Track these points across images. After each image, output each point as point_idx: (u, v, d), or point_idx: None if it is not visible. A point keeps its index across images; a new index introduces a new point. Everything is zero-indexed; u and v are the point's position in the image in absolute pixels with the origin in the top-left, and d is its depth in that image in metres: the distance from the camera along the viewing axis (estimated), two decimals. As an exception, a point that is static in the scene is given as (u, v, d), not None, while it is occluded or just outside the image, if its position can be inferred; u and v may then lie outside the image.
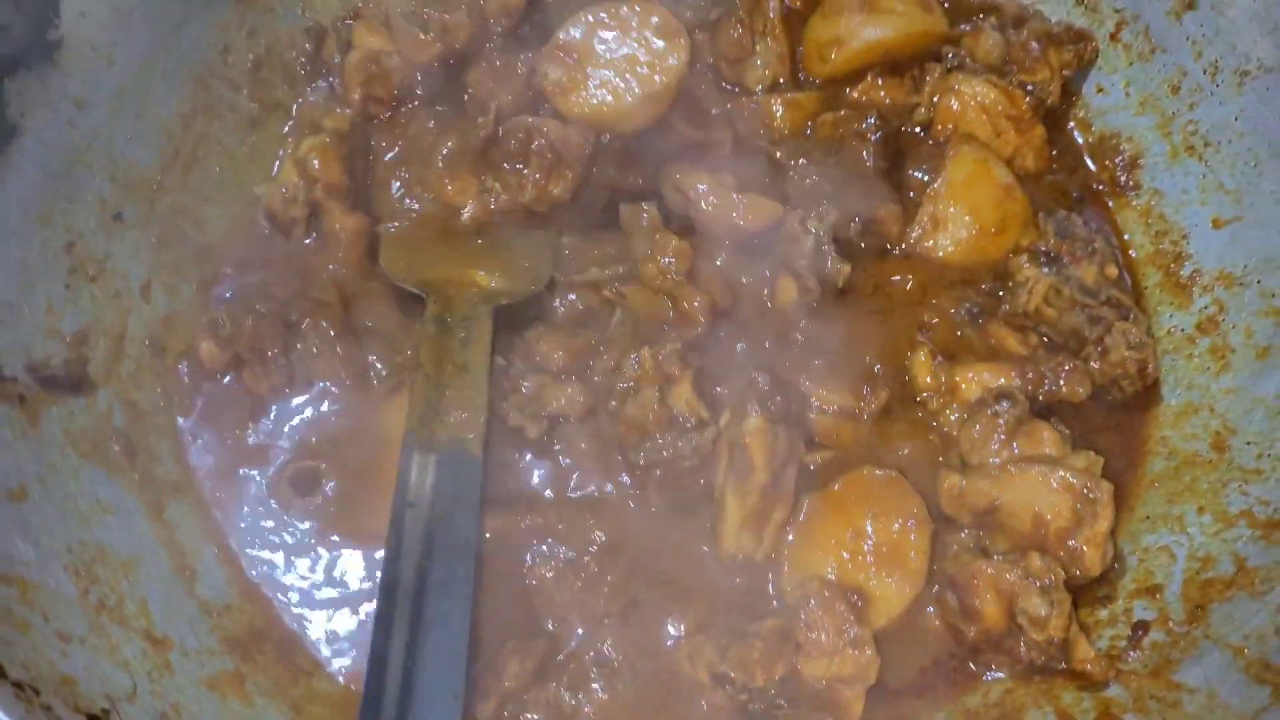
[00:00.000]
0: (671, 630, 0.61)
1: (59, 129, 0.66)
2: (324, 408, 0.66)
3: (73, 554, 0.57)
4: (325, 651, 0.61)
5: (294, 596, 0.62)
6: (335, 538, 0.63)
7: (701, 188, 0.69)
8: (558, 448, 0.65)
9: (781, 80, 0.76)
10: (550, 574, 0.62)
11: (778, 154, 0.72)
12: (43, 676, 0.49)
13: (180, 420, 0.66)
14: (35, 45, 0.65)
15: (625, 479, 0.64)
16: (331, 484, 0.65)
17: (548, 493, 0.65)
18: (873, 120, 0.72)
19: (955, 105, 0.73)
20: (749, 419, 0.62)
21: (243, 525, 0.64)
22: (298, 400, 0.67)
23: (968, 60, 0.74)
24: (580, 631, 0.61)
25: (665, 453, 0.63)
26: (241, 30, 0.74)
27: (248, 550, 0.63)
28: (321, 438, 0.66)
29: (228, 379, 0.67)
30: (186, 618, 0.59)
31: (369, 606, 0.61)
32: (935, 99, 0.74)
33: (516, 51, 0.74)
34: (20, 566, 0.53)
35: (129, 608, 0.57)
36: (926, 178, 0.72)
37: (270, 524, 0.64)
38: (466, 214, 0.71)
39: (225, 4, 0.74)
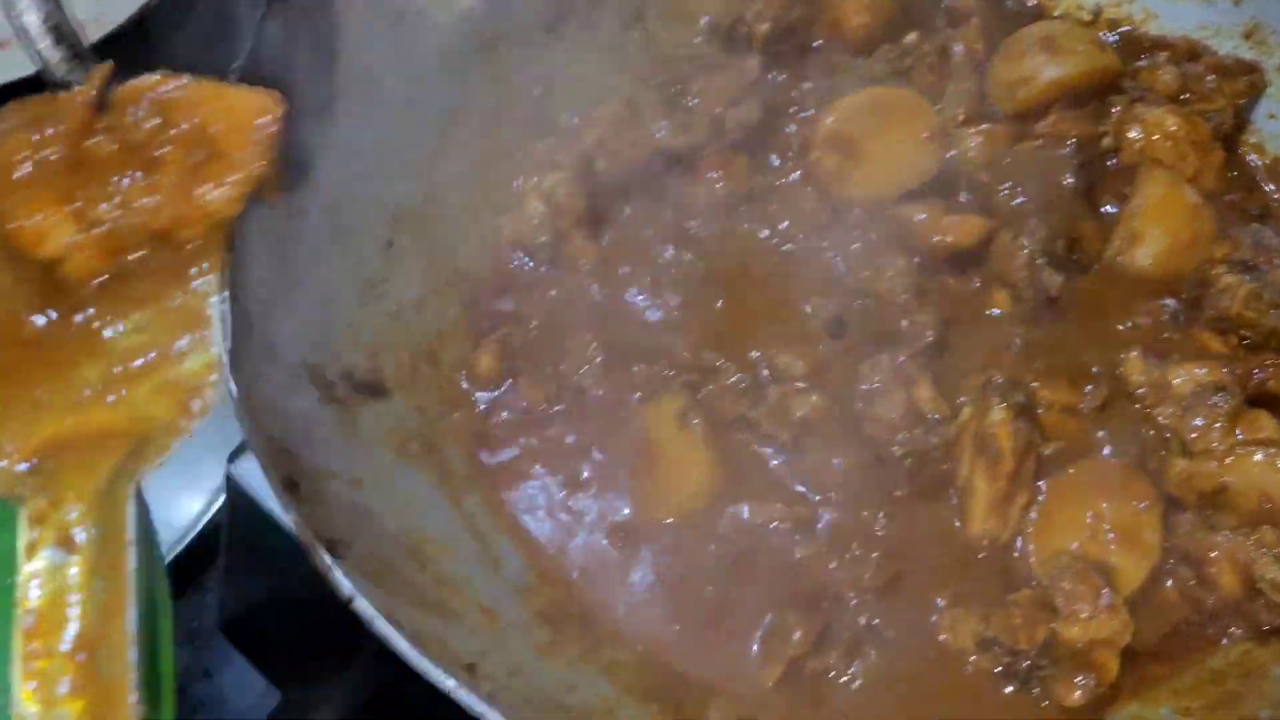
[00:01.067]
0: (933, 603, 0.67)
1: (337, 169, 0.72)
2: (593, 413, 0.72)
3: (405, 539, 0.62)
4: (621, 622, 0.66)
5: (584, 577, 0.68)
6: (609, 524, 0.69)
7: (920, 217, 0.76)
8: (805, 448, 0.71)
9: (970, 116, 0.82)
10: (813, 555, 0.67)
11: (983, 177, 0.78)
12: (422, 634, 0.54)
13: (463, 424, 0.72)
14: (318, 98, 0.72)
15: (873, 472, 0.70)
16: (601, 477, 0.70)
17: (798, 487, 0.70)
18: (1072, 144, 0.78)
19: (1140, 133, 0.80)
20: (993, 412, 0.68)
21: (528, 516, 0.69)
22: (569, 406, 0.72)
23: (1147, 92, 0.82)
24: (852, 604, 0.66)
25: (914, 445, 0.68)
26: (482, 82, 0.81)
27: (537, 538, 0.69)
28: (591, 438, 0.72)
29: (504, 388, 0.73)
30: (502, 595, 0.64)
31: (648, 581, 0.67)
32: (1122, 128, 0.80)
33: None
34: (374, 543, 0.59)
35: (459, 584, 0.62)
36: (1119, 200, 0.78)
37: (552, 515, 0.69)
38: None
39: (469, 59, 0.81)
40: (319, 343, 0.67)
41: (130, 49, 0.83)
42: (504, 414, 0.73)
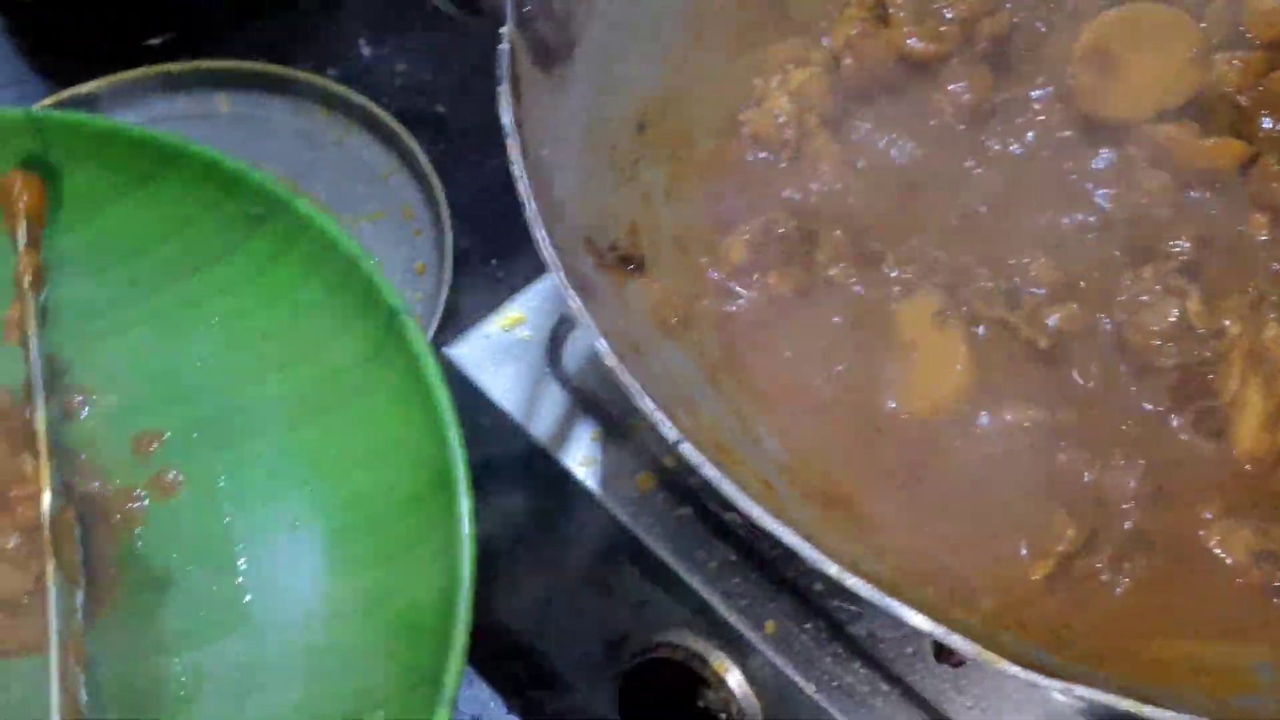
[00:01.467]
0: (1201, 515, 0.65)
1: (599, 45, 0.72)
2: (846, 307, 0.71)
3: (684, 406, 0.61)
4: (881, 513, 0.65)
5: (840, 466, 0.66)
6: (864, 416, 0.68)
7: (1177, 137, 0.74)
8: (1065, 356, 0.69)
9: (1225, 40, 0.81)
10: (1077, 460, 0.66)
11: (1241, 100, 0.76)
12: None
13: (714, 310, 0.71)
14: (584, -28, 0.72)
15: (1135, 383, 0.69)
16: (854, 370, 0.69)
17: (1059, 393, 0.69)
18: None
19: None
20: (1269, 328, 0.66)
21: (783, 403, 0.68)
22: (821, 299, 0.71)
23: None
24: (1120, 509, 0.65)
25: (1184, 357, 0.67)
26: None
27: (791, 424, 0.68)
28: (844, 331, 0.71)
29: (754, 278, 0.72)
30: (770, 471, 0.63)
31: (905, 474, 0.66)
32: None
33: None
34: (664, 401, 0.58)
35: (736, 454, 0.61)
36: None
37: (805, 402, 0.68)
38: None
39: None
40: (590, 212, 0.67)
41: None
42: (755, 303, 0.72)
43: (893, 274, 0.72)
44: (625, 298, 0.66)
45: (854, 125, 0.78)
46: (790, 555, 0.69)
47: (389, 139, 1.14)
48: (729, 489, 0.50)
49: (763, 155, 0.78)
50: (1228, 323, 0.69)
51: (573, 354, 0.81)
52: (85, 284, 0.73)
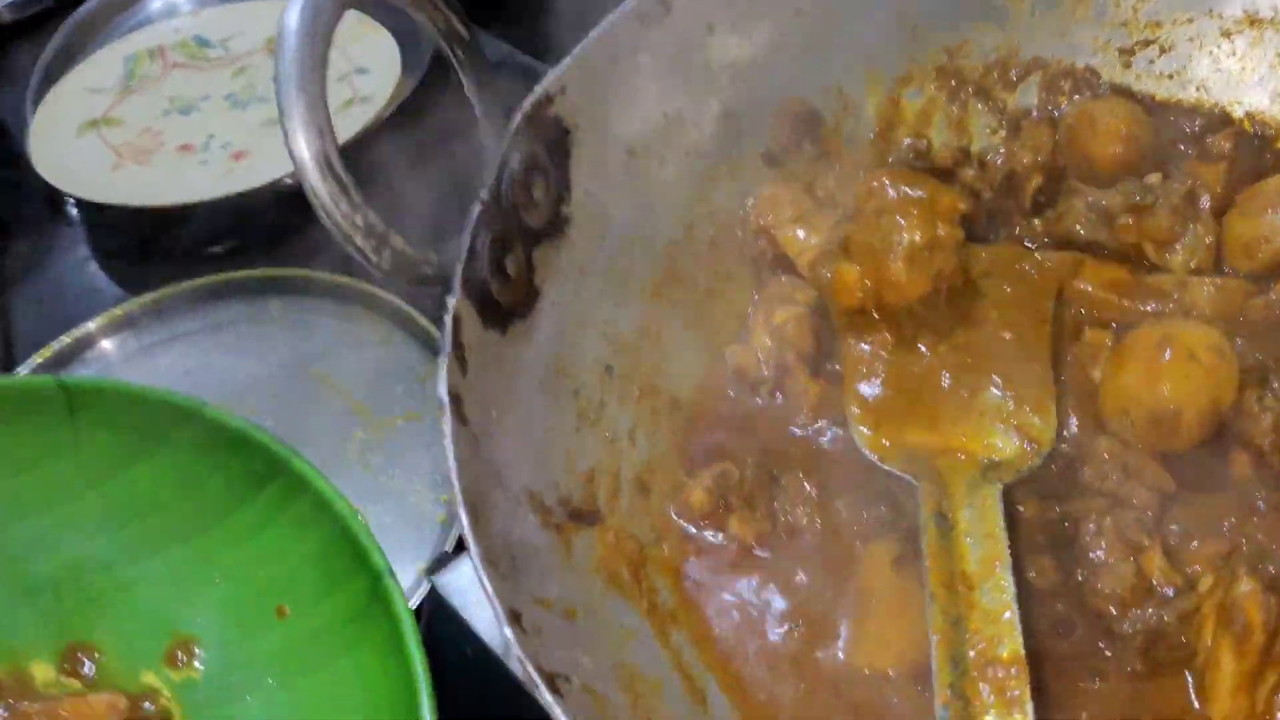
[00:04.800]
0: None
1: (567, 293, 0.74)
2: (806, 555, 0.70)
3: (617, 673, 0.62)
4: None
5: (790, 725, 0.65)
6: (821, 673, 0.67)
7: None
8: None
9: (1203, 267, 0.79)
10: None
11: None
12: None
13: (672, 556, 0.71)
14: (553, 220, 0.74)
15: (1102, 646, 0.66)
16: (812, 621, 0.69)
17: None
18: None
19: (1396, 293, 0.75)
20: (1240, 584, 0.64)
21: (736, 655, 0.68)
22: (781, 545, 0.71)
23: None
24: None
25: (1148, 622, 0.65)
26: (704, 210, 0.82)
27: (744, 679, 0.67)
28: (803, 580, 0.70)
29: (715, 524, 0.72)
30: (710, 741, 0.63)
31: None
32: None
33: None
34: (589, 677, 0.58)
35: (670, 729, 0.61)
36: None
37: (760, 656, 0.68)
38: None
39: (691, 192, 0.82)
40: (539, 468, 0.68)
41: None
42: (714, 550, 0.72)
43: (856, 521, 0.71)
44: (571, 554, 0.66)
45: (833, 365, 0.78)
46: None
47: (428, 342, 1.17)
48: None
49: (743, 392, 0.78)
50: (1202, 575, 0.66)
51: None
52: (98, 542, 0.77)
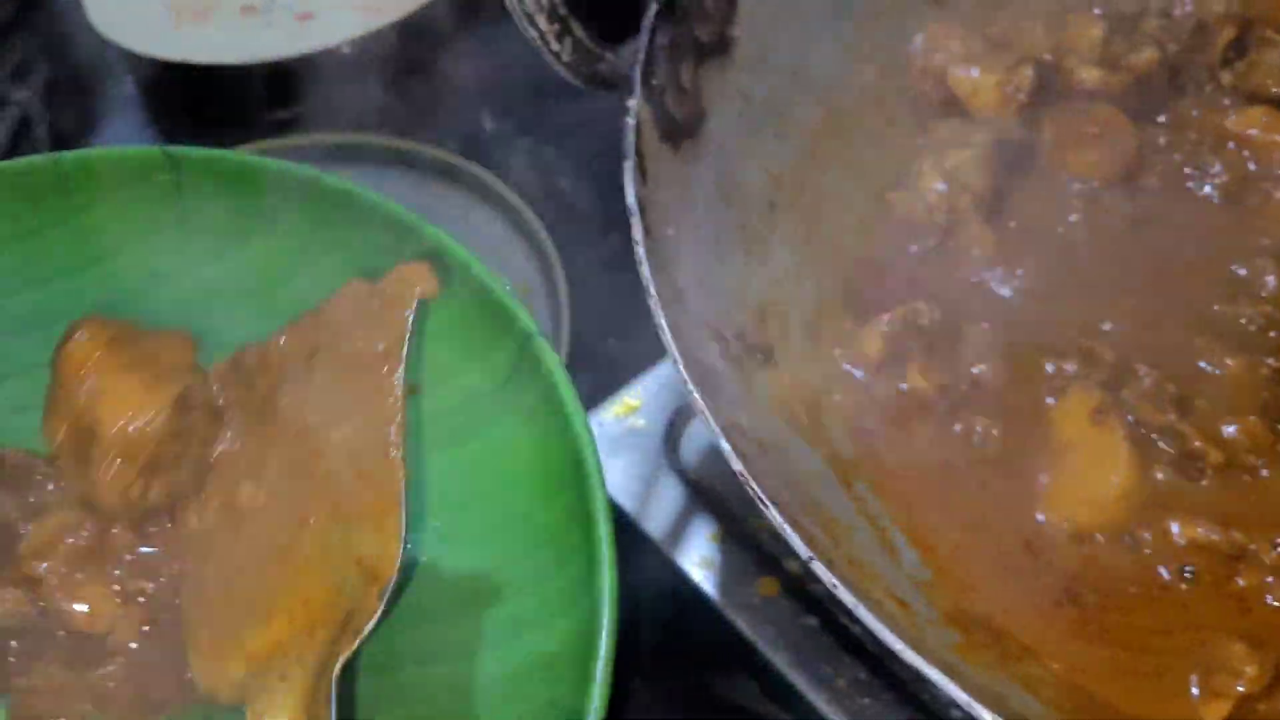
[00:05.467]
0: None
1: (730, 119, 0.68)
2: (990, 407, 0.65)
3: (812, 511, 0.56)
4: (1030, 636, 0.58)
5: (985, 582, 0.60)
6: (1012, 528, 0.61)
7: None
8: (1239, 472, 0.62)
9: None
10: (1256, 586, 0.59)
11: None
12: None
13: (844, 405, 0.66)
14: (721, 37, 0.68)
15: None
16: (1002, 475, 0.63)
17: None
18: None
19: None
20: None
21: (920, 509, 0.62)
22: (964, 397, 0.65)
23: None
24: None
25: None
26: (866, 49, 0.76)
27: (929, 535, 0.61)
28: (988, 433, 0.64)
29: (889, 373, 0.66)
30: (907, 588, 0.57)
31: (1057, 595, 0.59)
32: None
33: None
34: (794, 510, 0.53)
35: (868, 568, 0.56)
36: None
37: (946, 511, 0.62)
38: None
39: (852, 28, 0.76)
40: (713, 298, 0.62)
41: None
42: (890, 400, 0.66)
43: (1047, 370, 0.66)
44: (752, 389, 0.61)
45: (1011, 210, 0.72)
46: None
47: (509, 214, 1.11)
48: (867, 617, 0.45)
49: (908, 238, 0.72)
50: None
51: (691, 445, 0.76)
52: (209, 322, 0.69)
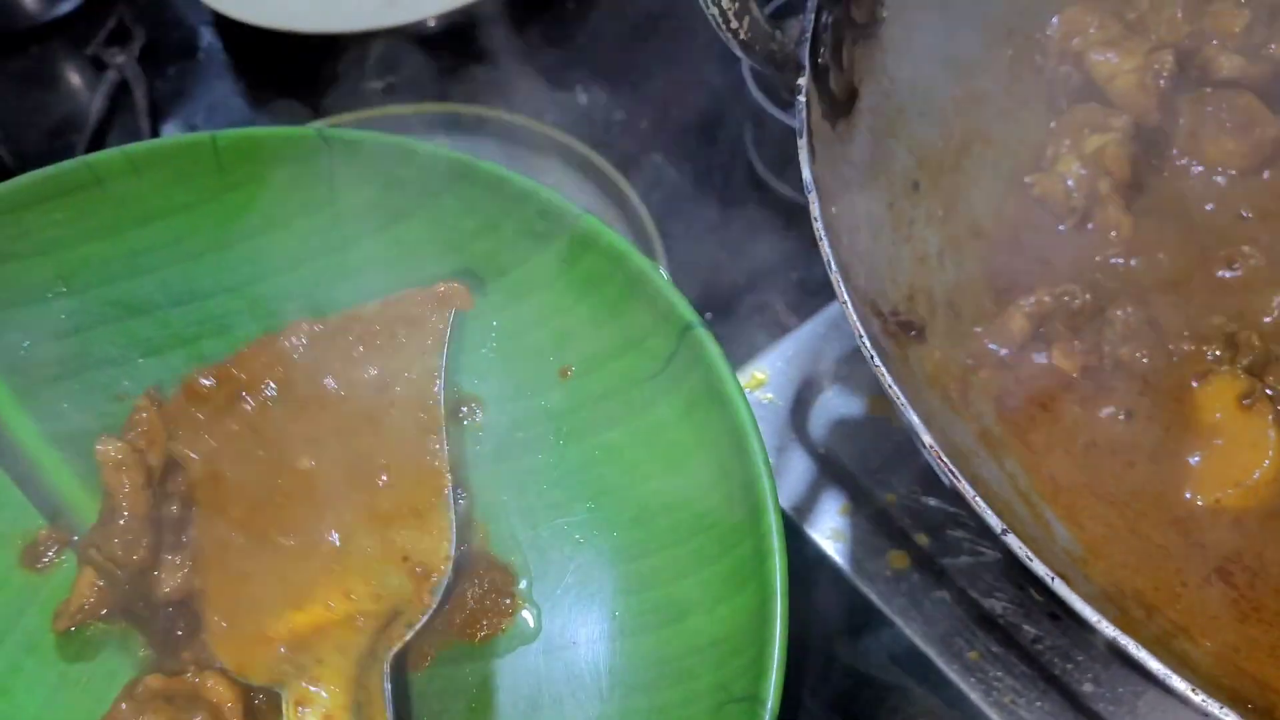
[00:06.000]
0: None
1: (878, 99, 0.69)
2: (1138, 392, 0.66)
3: (979, 489, 0.57)
4: (1184, 614, 0.59)
5: (1136, 560, 0.61)
6: (1164, 508, 0.62)
7: None
8: None
9: None
10: None
11: None
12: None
13: (991, 383, 0.67)
14: (872, 17, 0.69)
15: None
16: (1148, 458, 0.64)
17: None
18: None
19: None
20: None
21: (1071, 493, 0.63)
22: (1107, 379, 0.66)
23: None
24: None
25: None
26: (1004, 28, 0.76)
27: (1084, 517, 0.62)
28: (1135, 414, 0.65)
29: (1033, 351, 0.67)
30: (1066, 561, 0.58)
31: (1209, 573, 0.60)
32: None
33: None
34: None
35: (1032, 546, 0.56)
36: None
37: (1096, 492, 0.63)
38: None
39: (991, 7, 0.76)
40: (873, 274, 0.63)
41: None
42: (1034, 379, 0.67)
43: (1190, 353, 0.66)
44: (909, 363, 0.62)
45: (1149, 195, 0.73)
46: (1060, 650, 0.64)
47: (605, 187, 1.12)
48: (1062, 589, 0.46)
49: (1047, 221, 0.73)
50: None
51: (819, 419, 0.77)
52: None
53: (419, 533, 0.61)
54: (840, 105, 0.65)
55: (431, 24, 1.17)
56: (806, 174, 0.56)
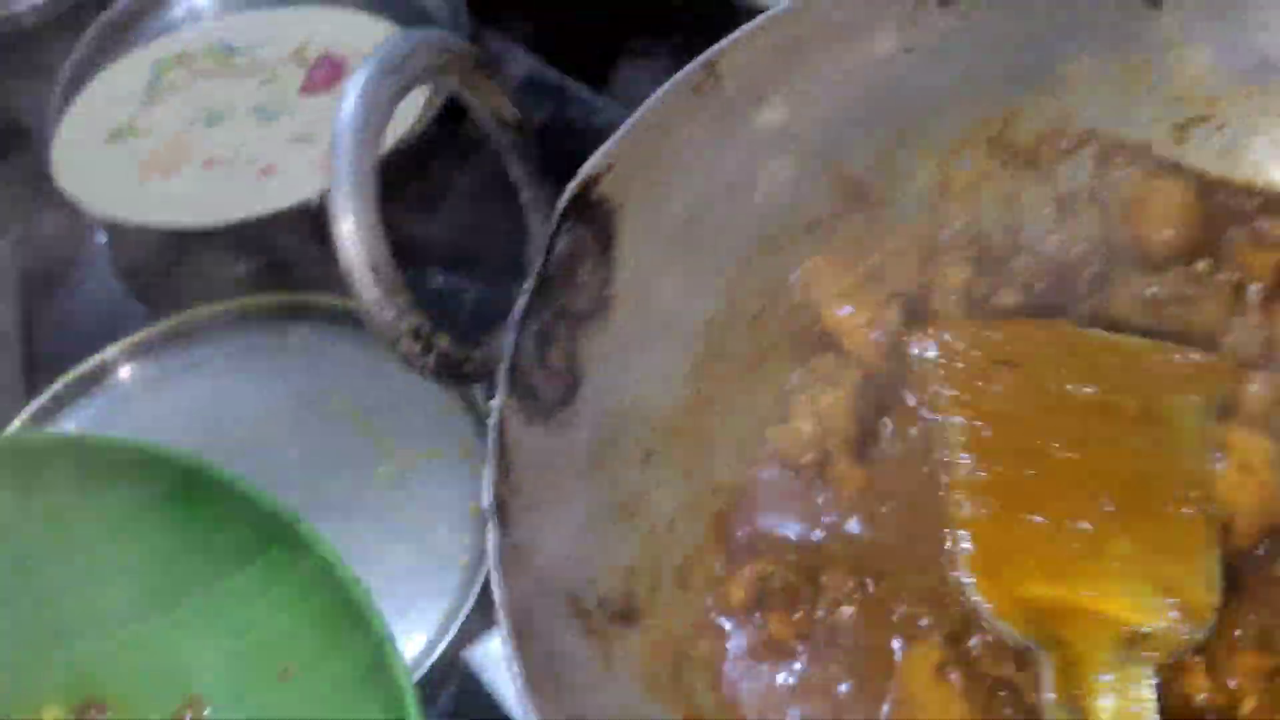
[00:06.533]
0: None
1: (607, 376, 0.73)
2: (844, 656, 0.70)
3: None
4: None
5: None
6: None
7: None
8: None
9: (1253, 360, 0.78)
10: None
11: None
12: None
13: (709, 654, 0.70)
14: (598, 302, 0.73)
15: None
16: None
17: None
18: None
19: None
20: (1286, 711, 0.63)
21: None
22: (819, 645, 0.70)
23: None
24: None
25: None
26: (749, 284, 0.80)
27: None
28: (840, 684, 0.69)
29: (754, 619, 0.71)
30: None
31: None
32: None
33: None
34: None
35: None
36: None
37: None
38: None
39: (737, 265, 0.80)
40: (579, 569, 0.67)
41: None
42: (752, 649, 0.71)
43: (903, 618, 0.70)
44: (610, 659, 0.66)
45: (882, 447, 0.77)
46: None
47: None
48: None
49: (783, 478, 0.77)
50: (1242, 688, 0.65)
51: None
52: (115, 595, 0.76)
53: (1186, 572, 0.63)
54: (556, 402, 0.69)
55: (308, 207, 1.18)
56: (487, 498, 0.60)
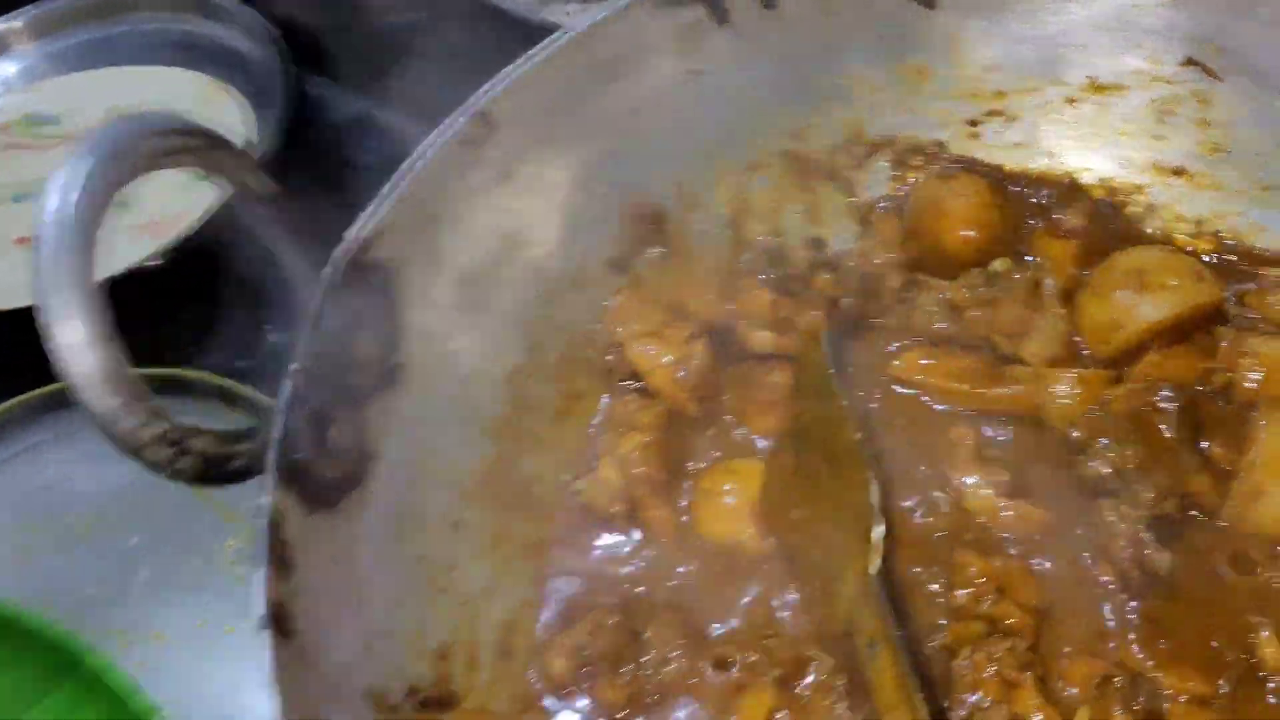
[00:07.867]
0: None
1: (404, 448, 0.69)
2: (676, 712, 0.68)
3: None
4: None
5: None
6: None
7: (970, 480, 0.71)
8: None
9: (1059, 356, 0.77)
10: None
11: (1074, 434, 0.72)
12: None
13: (536, 727, 0.68)
14: (385, 373, 0.69)
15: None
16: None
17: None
18: (1168, 391, 0.72)
19: (1256, 367, 0.73)
20: None
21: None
22: (650, 705, 0.68)
23: (1259, 320, 0.76)
24: None
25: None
26: (550, 328, 0.78)
27: None
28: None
29: (579, 688, 0.68)
30: None
31: None
32: (1232, 363, 0.74)
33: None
34: None
35: None
36: (1234, 448, 0.72)
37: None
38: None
39: (535, 311, 0.77)
40: (382, 660, 0.64)
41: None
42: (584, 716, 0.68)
43: (732, 667, 0.68)
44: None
45: (698, 484, 0.75)
46: None
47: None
48: None
49: (595, 528, 0.75)
50: (1075, 702, 0.64)
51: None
52: None
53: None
54: (343, 485, 0.65)
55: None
56: (259, 606, 0.57)
